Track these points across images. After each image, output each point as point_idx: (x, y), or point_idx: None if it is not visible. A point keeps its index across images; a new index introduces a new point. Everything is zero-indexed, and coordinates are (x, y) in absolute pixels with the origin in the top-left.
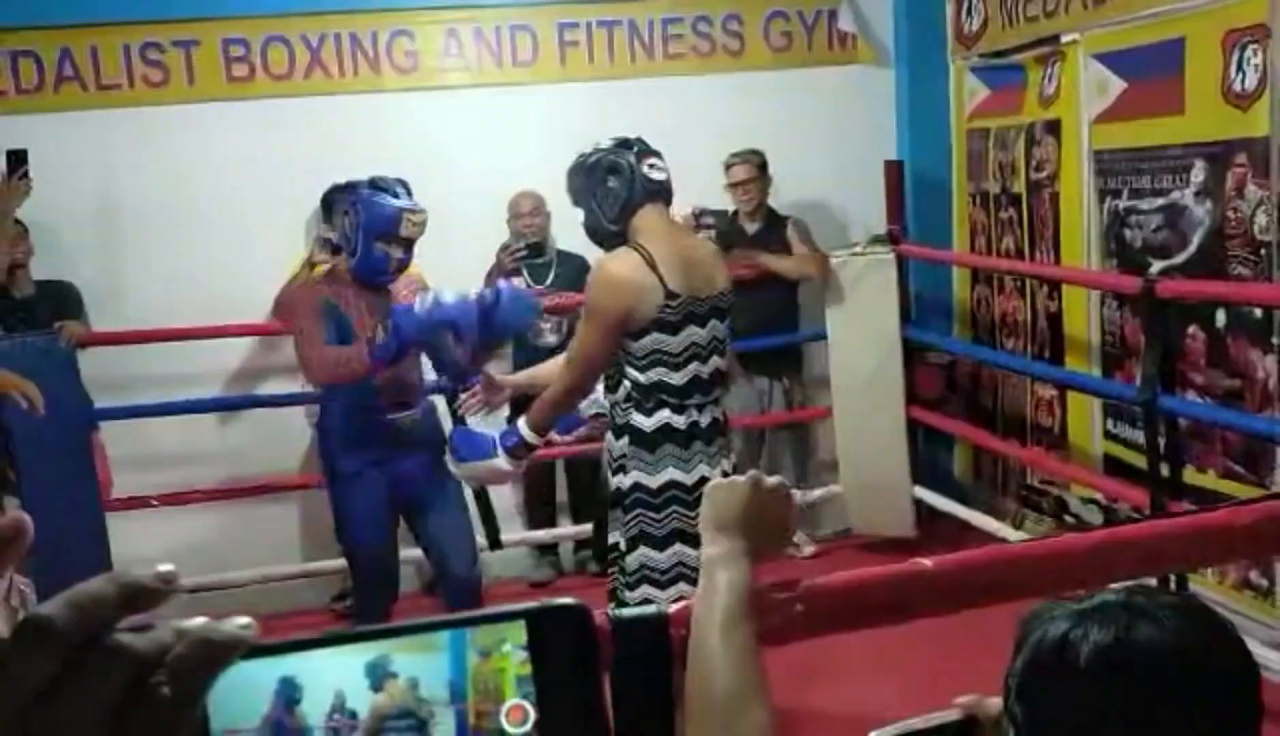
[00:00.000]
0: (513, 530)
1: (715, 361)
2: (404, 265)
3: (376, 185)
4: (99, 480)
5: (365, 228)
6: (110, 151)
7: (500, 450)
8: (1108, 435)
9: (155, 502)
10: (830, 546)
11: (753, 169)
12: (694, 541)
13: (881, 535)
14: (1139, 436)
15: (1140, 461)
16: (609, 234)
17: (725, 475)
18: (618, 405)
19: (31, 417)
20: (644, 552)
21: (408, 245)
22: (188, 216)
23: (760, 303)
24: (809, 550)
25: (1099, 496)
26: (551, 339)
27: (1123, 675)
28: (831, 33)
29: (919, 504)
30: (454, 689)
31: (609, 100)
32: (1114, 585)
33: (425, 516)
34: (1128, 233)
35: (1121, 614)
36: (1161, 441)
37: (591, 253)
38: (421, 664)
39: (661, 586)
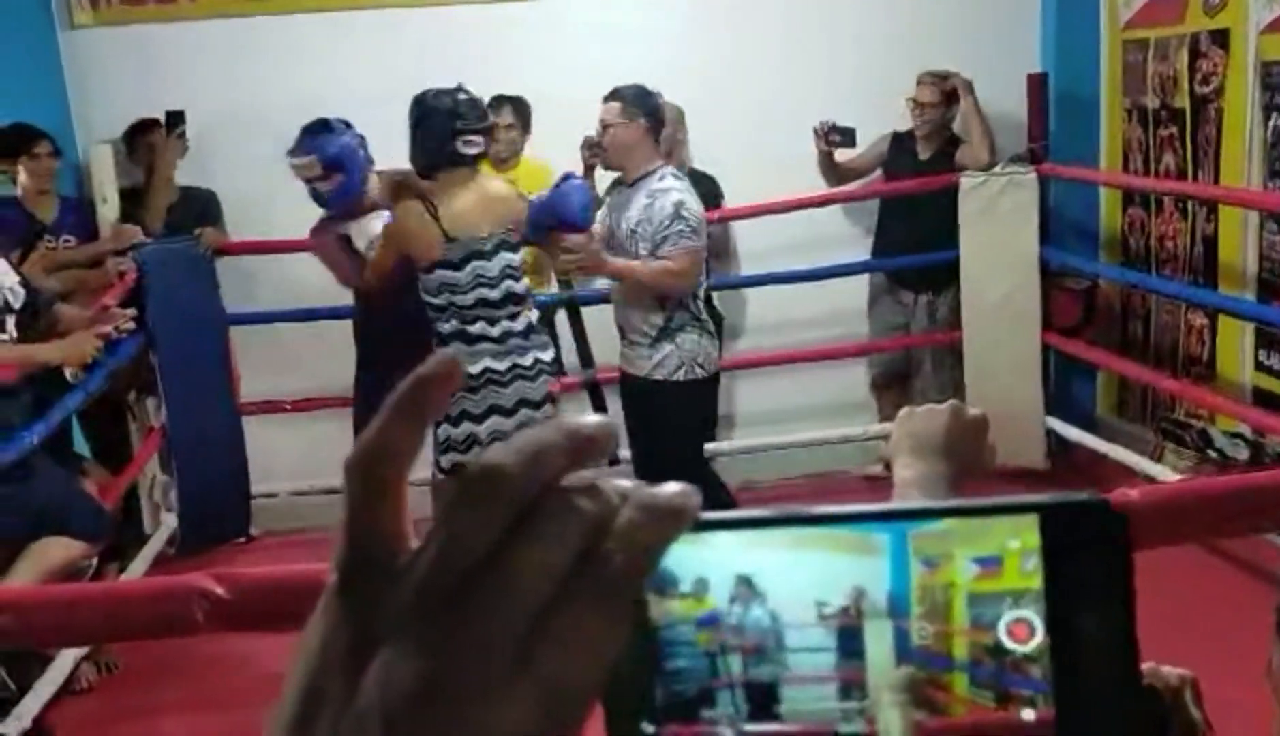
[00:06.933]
0: None
1: (509, 285)
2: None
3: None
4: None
5: None
6: (248, 61)
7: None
8: (1259, 367)
9: (288, 407)
10: None
11: (935, 92)
12: (476, 419)
13: (1009, 465)
14: None
15: None
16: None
17: (517, 368)
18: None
19: (172, 323)
20: (466, 427)
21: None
22: None
23: (918, 218)
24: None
25: (1245, 430)
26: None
27: None
28: None
29: (1050, 434)
30: (894, 600)
31: (730, 7)
32: None
33: None
34: None
35: None
36: None
37: (717, 170)
38: (860, 567)
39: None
